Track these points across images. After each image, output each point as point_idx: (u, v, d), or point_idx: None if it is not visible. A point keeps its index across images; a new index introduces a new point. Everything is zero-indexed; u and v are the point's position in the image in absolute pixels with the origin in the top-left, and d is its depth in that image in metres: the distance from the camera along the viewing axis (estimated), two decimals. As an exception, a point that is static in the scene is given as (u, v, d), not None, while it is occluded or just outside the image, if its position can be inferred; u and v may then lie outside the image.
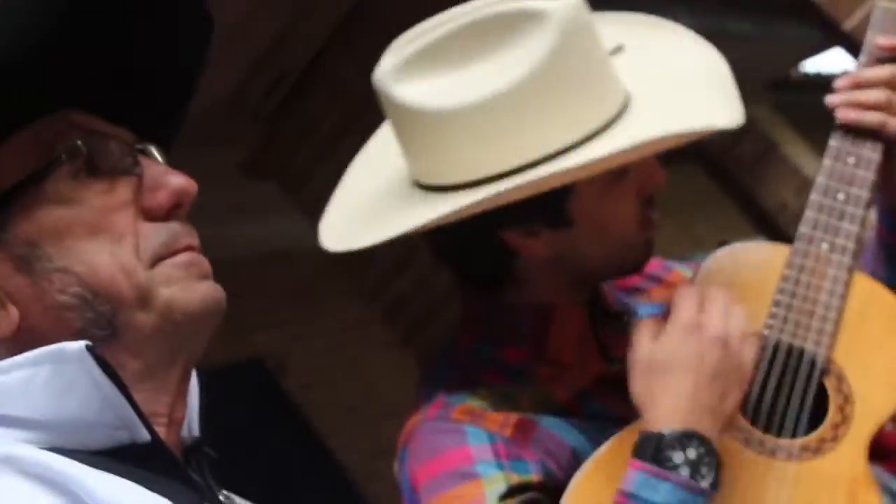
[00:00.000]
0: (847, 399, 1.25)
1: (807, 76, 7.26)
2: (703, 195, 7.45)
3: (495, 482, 1.19)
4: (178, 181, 0.86)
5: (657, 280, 1.51)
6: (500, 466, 1.20)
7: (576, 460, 1.24)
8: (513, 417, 1.25)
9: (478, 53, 1.14)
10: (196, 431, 0.91)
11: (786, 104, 6.59)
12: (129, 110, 0.88)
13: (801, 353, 1.26)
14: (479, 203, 1.14)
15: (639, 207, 1.32)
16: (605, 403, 1.30)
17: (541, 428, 1.25)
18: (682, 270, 1.54)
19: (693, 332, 1.17)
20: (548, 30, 1.12)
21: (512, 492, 1.19)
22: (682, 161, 6.77)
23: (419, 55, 1.17)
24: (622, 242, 1.32)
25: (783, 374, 1.25)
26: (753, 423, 1.25)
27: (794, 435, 1.24)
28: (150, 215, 0.85)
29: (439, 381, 1.31)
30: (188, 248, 0.86)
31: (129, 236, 0.84)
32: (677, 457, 1.09)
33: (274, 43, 3.75)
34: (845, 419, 1.25)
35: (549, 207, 1.23)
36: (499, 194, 1.13)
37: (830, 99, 1.37)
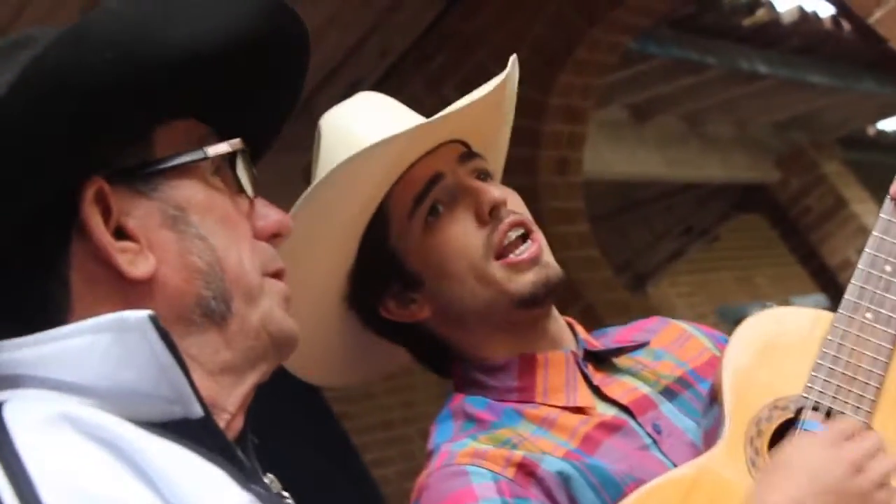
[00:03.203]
0: None
1: (884, 134, 7.14)
2: (764, 245, 7.36)
3: None
4: (282, 215, 0.96)
5: (655, 332, 1.49)
6: (504, 503, 1.19)
7: None
8: (516, 457, 1.24)
9: None
10: (240, 424, 0.91)
11: (859, 162, 6.50)
12: (249, 132, 0.96)
13: (840, 417, 1.23)
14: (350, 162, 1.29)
15: (482, 232, 1.33)
16: (601, 457, 1.28)
17: (543, 469, 1.23)
18: (695, 335, 1.51)
19: (832, 448, 1.16)
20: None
21: None
22: (746, 209, 6.71)
23: None
24: (474, 271, 1.32)
25: None
26: None
27: None
28: (258, 234, 0.93)
29: (442, 435, 1.33)
30: (282, 272, 0.95)
31: (248, 241, 0.91)
32: None
33: (347, 53, 3.77)
34: None
35: (392, 270, 1.36)
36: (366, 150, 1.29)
37: None
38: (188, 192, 0.89)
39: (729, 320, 6.99)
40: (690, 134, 5.75)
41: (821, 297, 6.87)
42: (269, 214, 0.95)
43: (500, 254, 1.33)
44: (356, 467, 4.46)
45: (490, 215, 1.33)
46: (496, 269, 1.32)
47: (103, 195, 0.84)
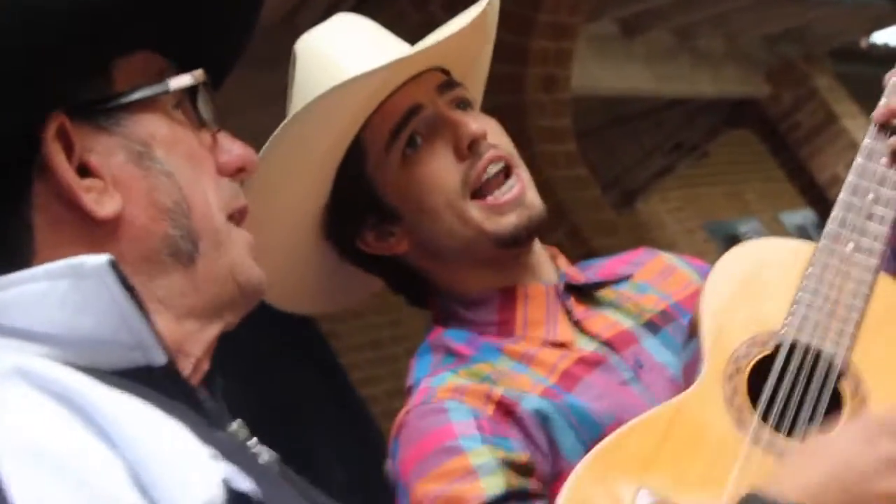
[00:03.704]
0: (863, 403, 1.19)
1: (876, 46, 7.08)
2: (753, 161, 7.34)
3: (481, 455, 1.17)
4: (246, 150, 0.93)
5: (639, 265, 1.46)
6: (485, 441, 1.18)
7: (554, 445, 1.22)
8: (495, 394, 1.23)
9: None
10: (206, 367, 0.90)
11: (851, 75, 6.45)
12: (206, 63, 0.93)
13: (819, 353, 1.20)
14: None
15: (460, 167, 1.30)
16: (580, 394, 1.26)
17: (521, 408, 1.22)
18: (680, 267, 1.48)
19: (869, 440, 1.08)
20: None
21: (508, 465, 1.17)
22: (736, 124, 6.67)
23: None
24: (451, 207, 1.30)
25: (798, 373, 1.19)
26: (764, 420, 1.18)
27: (805, 436, 1.17)
28: (221, 170, 0.90)
29: (421, 370, 1.30)
30: (245, 210, 0.92)
31: (213, 178, 0.89)
32: None
33: (330, -31, 3.70)
34: None
35: (369, 202, 1.33)
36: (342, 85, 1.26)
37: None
38: (151, 126, 0.86)
39: (718, 236, 7.01)
40: (681, 48, 5.70)
41: (809, 213, 6.88)
42: (232, 149, 0.92)
43: (479, 191, 1.30)
44: (344, 386, 4.48)
45: (469, 149, 1.30)
46: (474, 208, 1.30)
47: (65, 131, 0.81)
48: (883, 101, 1.31)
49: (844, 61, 6.56)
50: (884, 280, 1.26)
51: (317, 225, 1.38)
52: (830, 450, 1.09)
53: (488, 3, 1.33)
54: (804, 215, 7.29)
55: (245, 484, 0.71)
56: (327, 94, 1.24)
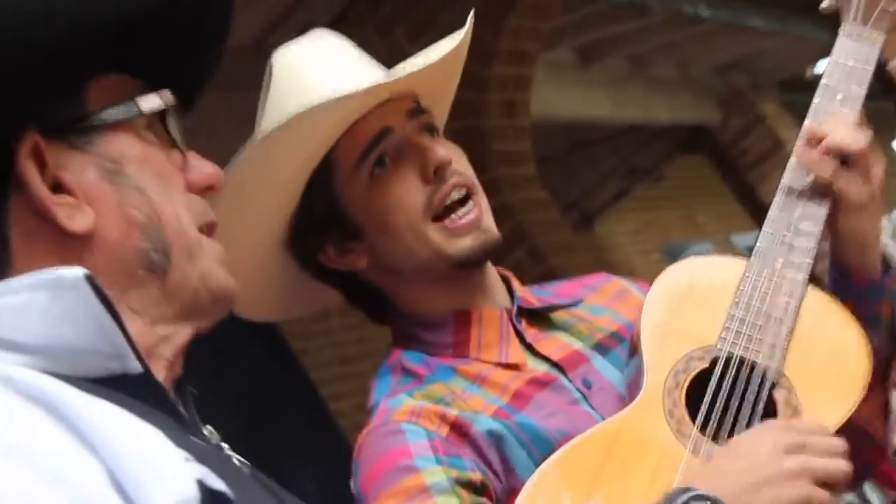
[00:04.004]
0: (795, 412, 1.23)
1: (820, 77, 7.26)
2: (706, 185, 7.50)
3: (434, 475, 1.21)
4: (215, 169, 0.96)
5: (595, 289, 1.53)
6: (439, 461, 1.23)
7: (507, 464, 1.26)
8: (450, 416, 1.27)
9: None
10: (179, 370, 0.93)
11: (798, 103, 6.62)
12: (179, 85, 0.95)
13: (753, 366, 1.24)
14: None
15: (425, 190, 1.35)
16: (531, 413, 1.30)
17: (475, 429, 1.26)
18: (633, 291, 1.53)
19: (776, 430, 1.15)
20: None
21: (460, 484, 1.20)
22: (688, 150, 6.82)
23: None
24: (412, 228, 1.35)
25: (734, 386, 1.24)
26: (703, 431, 1.21)
27: None
28: (190, 187, 0.93)
29: (381, 391, 1.35)
30: (214, 224, 0.95)
31: (183, 195, 0.91)
32: None
33: (302, -5, 3.79)
34: None
35: (334, 218, 1.38)
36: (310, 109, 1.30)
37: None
38: (122, 145, 0.88)
39: (672, 258, 7.16)
40: (636, 76, 5.81)
41: (719, 255, 7.03)
42: (201, 168, 0.95)
43: (440, 215, 1.35)
44: (313, 401, 4.52)
45: (434, 175, 1.35)
46: (433, 231, 1.34)
47: (38, 150, 0.84)
48: (805, 123, 1.35)
49: (791, 90, 6.73)
50: (812, 293, 1.30)
51: (281, 237, 1.41)
52: (747, 453, 1.13)
53: (464, 37, 1.39)
54: (755, 237, 7.44)
55: (219, 484, 0.72)
56: (305, 113, 1.28)
